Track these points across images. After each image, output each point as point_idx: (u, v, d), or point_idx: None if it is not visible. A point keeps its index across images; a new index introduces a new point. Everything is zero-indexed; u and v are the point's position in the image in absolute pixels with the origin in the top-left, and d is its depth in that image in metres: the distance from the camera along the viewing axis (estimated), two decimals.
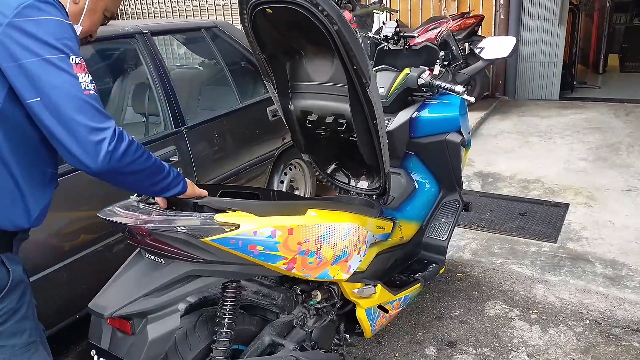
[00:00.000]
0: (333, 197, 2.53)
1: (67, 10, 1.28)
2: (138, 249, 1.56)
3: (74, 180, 2.21)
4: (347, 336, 2.16)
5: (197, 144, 2.95)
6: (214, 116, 3.15)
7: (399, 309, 2.31)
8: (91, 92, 1.19)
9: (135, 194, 1.59)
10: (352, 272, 1.85)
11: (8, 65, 1.15)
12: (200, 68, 3.93)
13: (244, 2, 1.82)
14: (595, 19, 9.03)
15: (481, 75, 6.40)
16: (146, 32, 2.88)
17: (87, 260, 2.39)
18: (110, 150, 1.17)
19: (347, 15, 5.58)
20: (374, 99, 1.85)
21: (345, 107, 1.97)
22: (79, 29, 1.34)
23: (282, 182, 3.72)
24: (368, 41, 4.55)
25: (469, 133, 2.65)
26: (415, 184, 2.66)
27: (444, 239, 2.64)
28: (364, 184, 2.38)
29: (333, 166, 2.46)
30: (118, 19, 9.20)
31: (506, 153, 5.18)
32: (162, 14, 9.27)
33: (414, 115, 2.51)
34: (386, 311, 2.18)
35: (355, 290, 1.97)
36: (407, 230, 2.53)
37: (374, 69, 2.64)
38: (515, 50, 2.64)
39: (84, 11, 1.35)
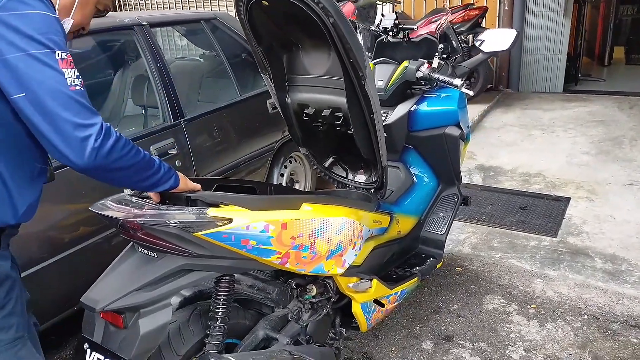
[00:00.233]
0: (330, 191, 2.52)
1: (57, 3, 1.27)
2: (131, 242, 1.56)
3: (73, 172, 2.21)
4: (343, 330, 2.16)
5: (196, 136, 2.94)
6: (213, 109, 3.14)
7: (395, 304, 2.31)
8: (77, 87, 1.17)
9: None
10: (347, 266, 1.85)
11: None
12: (201, 60, 3.92)
13: None
14: (601, 11, 8.95)
15: (484, 68, 6.35)
16: (145, 23, 2.87)
17: (86, 252, 2.39)
18: (96, 147, 1.16)
19: (350, 6, 5.52)
20: (371, 93, 1.83)
21: (342, 100, 1.96)
22: (70, 21, 1.33)
23: (282, 175, 3.71)
24: (368, 33, 4.51)
25: (468, 127, 2.63)
26: (414, 177, 2.65)
27: (442, 233, 2.63)
28: (361, 178, 2.37)
29: (331, 160, 2.45)
30: (122, 9, 9.19)
31: (508, 146, 5.16)
32: (163, 5, 9.24)
33: (412, 109, 2.49)
34: (382, 305, 2.17)
35: (351, 285, 1.96)
36: (404, 224, 2.52)
37: (373, 61, 2.62)
38: (516, 42, 2.61)
39: (76, 4, 1.33)
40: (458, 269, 3.09)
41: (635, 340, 2.43)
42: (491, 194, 4.10)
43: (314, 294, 1.90)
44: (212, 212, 1.44)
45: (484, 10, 6.34)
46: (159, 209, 1.45)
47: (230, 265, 1.54)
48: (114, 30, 2.78)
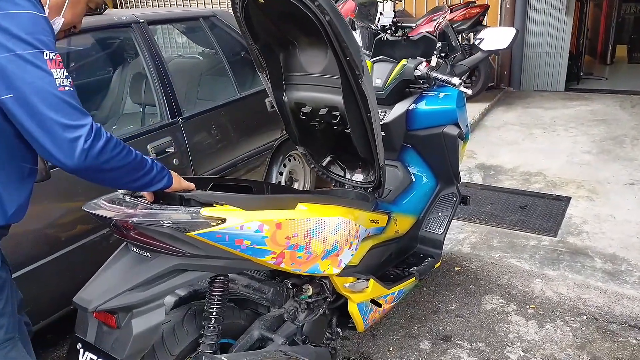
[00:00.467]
0: (328, 190, 2.51)
1: (47, 2, 1.25)
2: (125, 242, 1.55)
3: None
4: (340, 330, 2.15)
5: (193, 135, 2.93)
6: (211, 107, 3.13)
7: (392, 303, 2.29)
8: (66, 88, 1.15)
9: None
10: (344, 266, 1.84)
11: None
12: (200, 58, 3.90)
13: None
14: (604, 9, 8.90)
15: (485, 66, 6.32)
16: (143, 21, 2.85)
17: (82, 250, 2.38)
18: (86, 148, 1.15)
19: (351, 4, 5.50)
20: (368, 91, 1.82)
21: (338, 99, 1.94)
22: (61, 20, 1.32)
23: (281, 173, 3.69)
24: (367, 31, 4.48)
25: (467, 126, 2.61)
26: (412, 177, 2.63)
27: (440, 232, 2.62)
28: (359, 177, 2.36)
29: (328, 159, 2.44)
30: (122, 6, 9.18)
31: (509, 145, 5.14)
32: (163, 3, 9.22)
33: (410, 108, 2.48)
34: (379, 305, 2.16)
35: (347, 285, 1.95)
36: (402, 223, 2.51)
37: (371, 59, 2.60)
38: (515, 41, 2.59)
39: (66, 2, 1.32)
40: (457, 268, 3.08)
41: (634, 341, 2.41)
42: (491, 193, 4.08)
43: (310, 293, 1.89)
44: (205, 211, 1.43)
45: (485, 9, 6.32)
46: (152, 209, 1.44)
47: (225, 265, 1.53)
48: (112, 27, 2.77)
